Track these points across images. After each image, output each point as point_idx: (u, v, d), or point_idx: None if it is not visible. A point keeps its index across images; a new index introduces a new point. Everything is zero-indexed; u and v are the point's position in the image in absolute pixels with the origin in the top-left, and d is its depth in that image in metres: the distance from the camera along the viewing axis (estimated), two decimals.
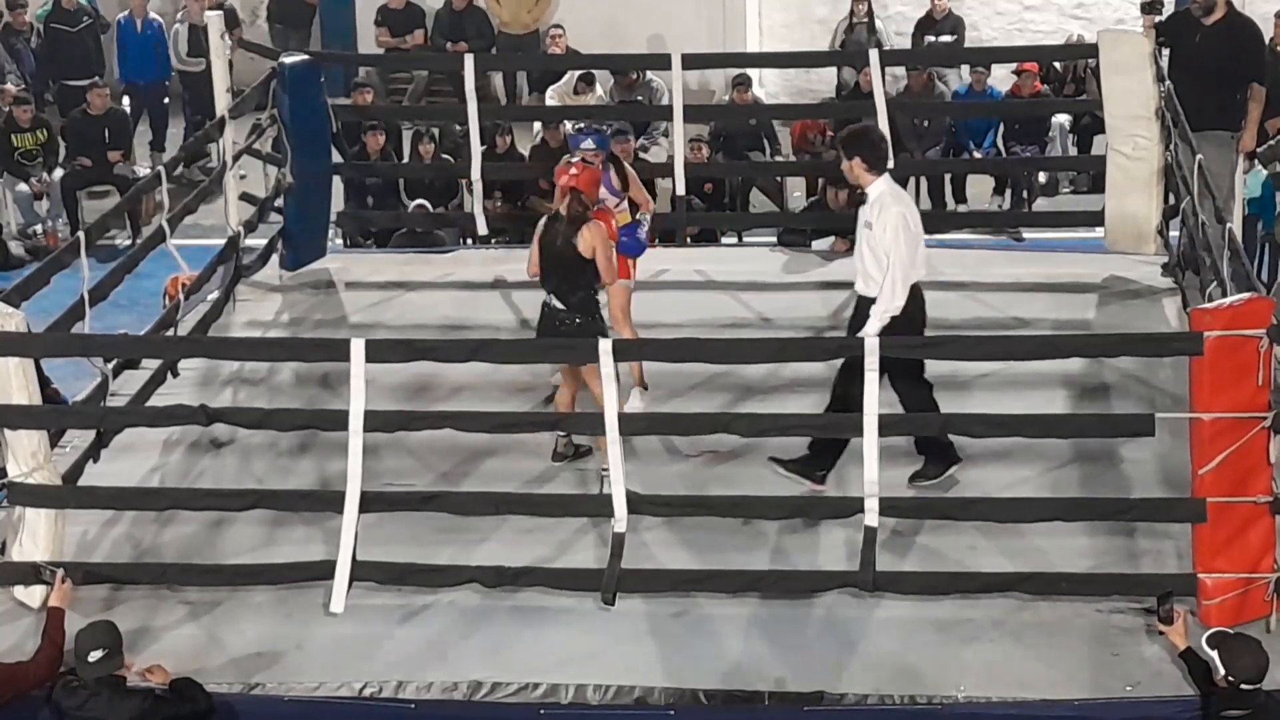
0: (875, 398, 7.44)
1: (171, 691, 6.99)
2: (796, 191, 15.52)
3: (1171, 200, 10.75)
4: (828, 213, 12.16)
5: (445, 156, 14.46)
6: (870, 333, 7.95)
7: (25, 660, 7.17)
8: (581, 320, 8.65)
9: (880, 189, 8.30)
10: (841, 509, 7.80)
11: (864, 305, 8.36)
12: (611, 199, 9.37)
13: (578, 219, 8.61)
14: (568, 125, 15.17)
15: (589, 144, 9.34)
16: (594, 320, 8.72)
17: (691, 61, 12.23)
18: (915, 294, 8.35)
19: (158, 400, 9.22)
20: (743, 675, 7.22)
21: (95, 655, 6.95)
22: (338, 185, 13.21)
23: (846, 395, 8.03)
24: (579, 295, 8.68)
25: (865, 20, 17.18)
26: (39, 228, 15.84)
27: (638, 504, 7.77)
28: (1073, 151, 15.68)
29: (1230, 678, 6.69)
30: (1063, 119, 15.72)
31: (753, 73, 16.14)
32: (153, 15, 17.68)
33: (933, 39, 17.03)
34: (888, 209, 8.21)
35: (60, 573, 7.57)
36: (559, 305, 8.69)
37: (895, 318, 8.18)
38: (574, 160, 8.92)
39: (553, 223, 8.72)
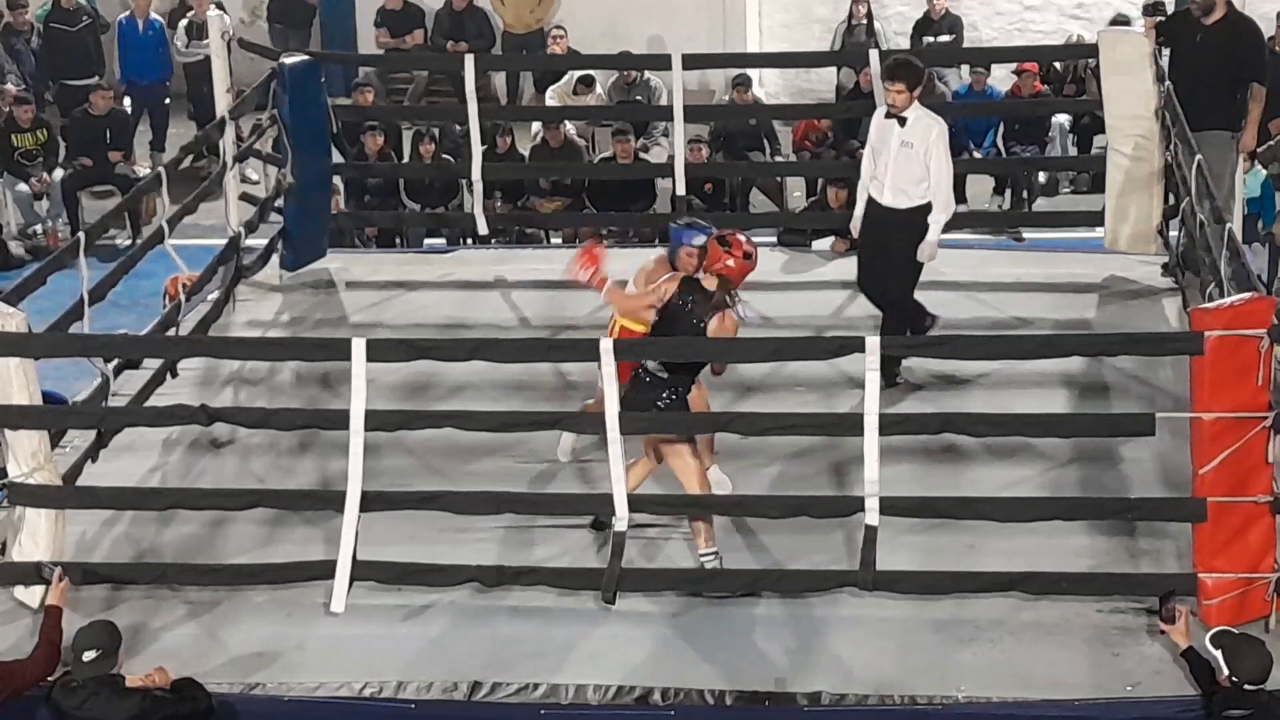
0: (875, 398, 7.43)
1: (171, 691, 6.99)
2: (796, 191, 15.52)
3: (1171, 200, 10.74)
4: (828, 213, 12.16)
5: (445, 157, 14.46)
6: (933, 240, 9.24)
7: (22, 658, 7.18)
8: (680, 394, 8.00)
9: (918, 111, 9.22)
10: (841, 508, 7.80)
11: (891, 215, 9.34)
12: None
13: (720, 305, 7.89)
14: (568, 126, 15.22)
15: (700, 240, 8.31)
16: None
17: (691, 61, 12.23)
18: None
19: (158, 400, 9.22)
20: (742, 675, 7.23)
21: (89, 655, 6.95)
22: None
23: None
24: (686, 372, 8.00)
25: (864, 21, 17.18)
26: (39, 228, 15.83)
27: (638, 504, 7.77)
28: (1073, 151, 15.67)
29: (1234, 678, 6.69)
30: (1063, 119, 15.72)
31: (753, 73, 16.14)
32: (154, 15, 17.68)
33: (931, 40, 17.03)
34: (931, 128, 9.16)
35: (58, 571, 7.57)
36: (662, 374, 7.93)
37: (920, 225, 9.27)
38: (731, 248, 7.98)
39: (687, 292, 7.98)
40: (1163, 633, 7.16)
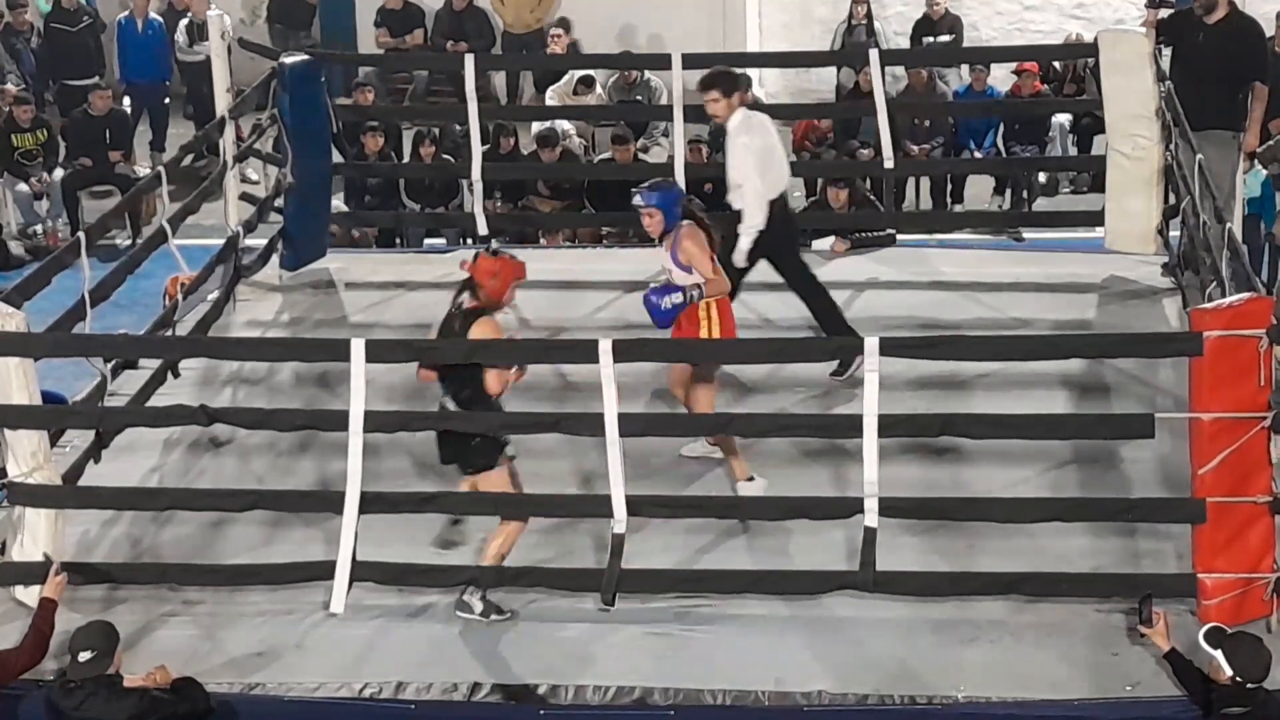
0: (875, 398, 7.43)
1: (171, 691, 6.99)
2: (796, 191, 15.51)
3: (1171, 200, 10.74)
4: (828, 213, 12.15)
5: (445, 157, 14.46)
6: (743, 248, 9.27)
7: (9, 648, 7.20)
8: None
9: (738, 120, 9.34)
10: (841, 509, 7.79)
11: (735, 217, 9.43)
12: (678, 272, 8.46)
13: (470, 314, 7.81)
14: (565, 124, 15.20)
15: (637, 200, 8.60)
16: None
17: (691, 61, 12.21)
18: (774, 209, 9.39)
19: (158, 400, 9.23)
20: (743, 675, 7.23)
21: (84, 656, 6.93)
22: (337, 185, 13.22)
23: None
24: (466, 394, 7.83)
25: (864, 21, 17.18)
26: (39, 228, 15.82)
27: (637, 505, 7.77)
28: (1073, 151, 15.67)
29: (1238, 677, 6.67)
30: (1063, 119, 15.71)
31: (753, 73, 16.13)
32: (153, 15, 17.68)
33: (931, 40, 17.02)
34: (737, 138, 9.30)
35: (56, 564, 7.57)
36: (451, 409, 7.88)
37: (761, 232, 9.29)
38: (483, 250, 8.07)
39: (450, 318, 7.93)
40: (1143, 636, 7.14)
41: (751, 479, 8.46)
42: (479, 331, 7.75)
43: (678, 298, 8.34)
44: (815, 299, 9.73)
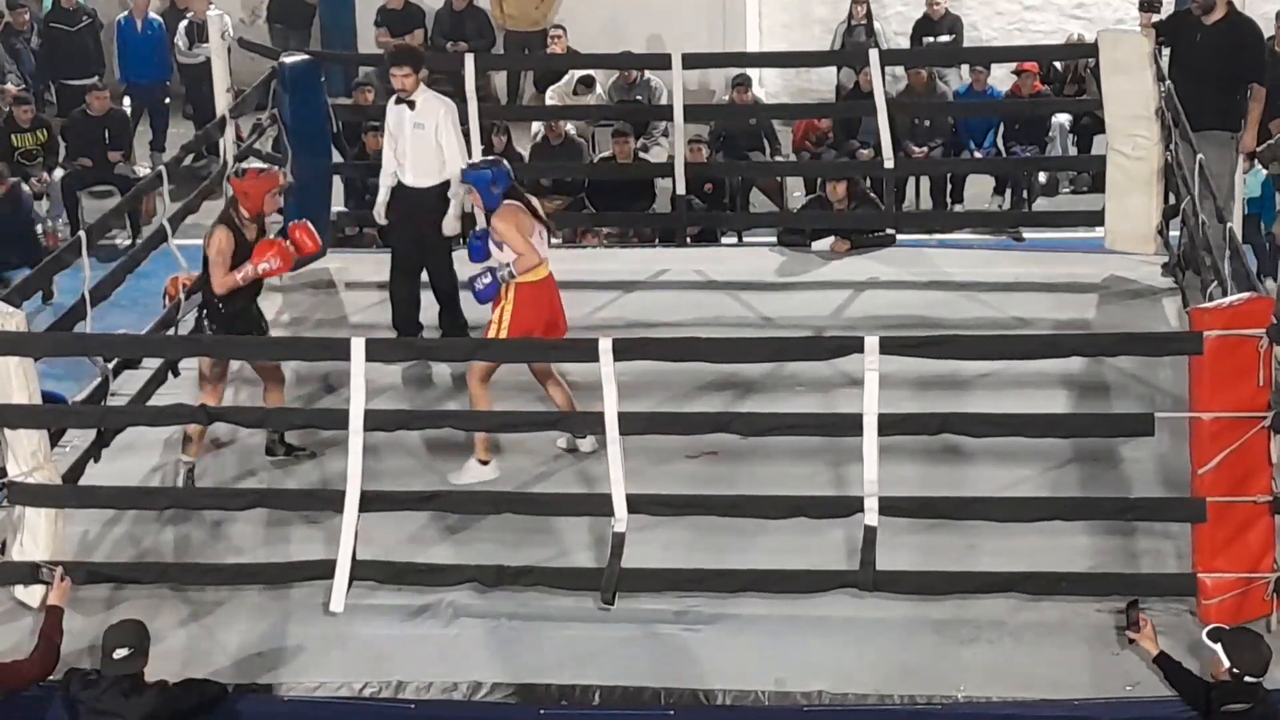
0: (875, 397, 7.44)
1: (180, 685, 6.99)
2: (796, 191, 15.52)
3: (1171, 200, 10.75)
4: (827, 212, 12.17)
5: None
6: (454, 213, 9.89)
7: (20, 658, 7.18)
8: (207, 321, 8.79)
9: (427, 95, 9.94)
10: (841, 508, 7.80)
11: (413, 194, 10.00)
12: (496, 252, 8.70)
13: (217, 220, 8.74)
14: (568, 125, 15.20)
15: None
16: (210, 322, 8.78)
17: (691, 61, 12.23)
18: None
19: (158, 400, 9.23)
20: (743, 675, 7.23)
21: (120, 653, 6.91)
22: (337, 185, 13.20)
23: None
24: (202, 292, 8.81)
25: (864, 22, 17.17)
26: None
27: (638, 504, 7.77)
28: (1073, 151, 15.66)
29: (1235, 671, 6.67)
30: (1063, 119, 15.70)
31: (753, 73, 16.13)
32: (153, 15, 17.68)
33: (931, 40, 17.02)
34: (438, 109, 9.87)
35: (59, 571, 7.57)
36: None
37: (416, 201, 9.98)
38: (249, 167, 9.10)
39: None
40: (1131, 641, 7.13)
41: (485, 462, 8.61)
42: (212, 238, 8.61)
43: (486, 278, 8.65)
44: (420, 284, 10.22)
